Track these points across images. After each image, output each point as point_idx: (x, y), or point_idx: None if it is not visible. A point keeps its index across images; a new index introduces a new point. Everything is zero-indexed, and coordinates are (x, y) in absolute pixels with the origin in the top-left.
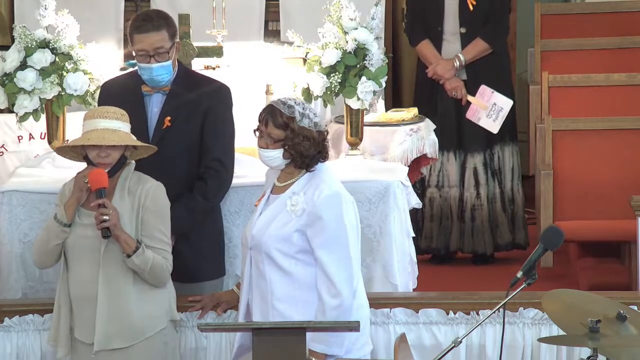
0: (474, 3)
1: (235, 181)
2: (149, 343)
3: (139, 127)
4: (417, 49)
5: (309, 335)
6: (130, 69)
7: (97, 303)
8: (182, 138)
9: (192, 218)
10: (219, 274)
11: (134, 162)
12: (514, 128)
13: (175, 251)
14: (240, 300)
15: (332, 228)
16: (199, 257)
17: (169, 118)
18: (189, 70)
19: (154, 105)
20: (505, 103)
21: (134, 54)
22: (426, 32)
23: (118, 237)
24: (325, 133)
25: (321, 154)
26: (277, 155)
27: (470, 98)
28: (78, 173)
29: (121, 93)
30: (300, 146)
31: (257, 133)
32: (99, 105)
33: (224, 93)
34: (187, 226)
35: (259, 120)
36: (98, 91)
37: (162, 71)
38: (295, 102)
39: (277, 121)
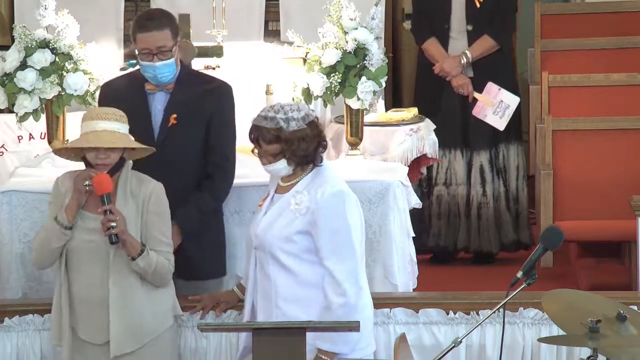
0: (481, 0)
1: (235, 181)
2: (159, 341)
3: (143, 125)
4: (423, 47)
5: (315, 333)
6: (130, 70)
7: (109, 307)
8: (187, 135)
9: (202, 218)
10: (220, 273)
11: (131, 161)
12: (519, 127)
13: (179, 249)
14: (246, 301)
15: (336, 226)
16: (201, 255)
17: (174, 116)
18: (191, 69)
19: (158, 103)
20: (512, 100)
21: (136, 52)
22: (432, 30)
23: (124, 242)
24: (316, 119)
25: (321, 144)
26: (282, 166)
27: (477, 95)
28: (77, 176)
29: (123, 92)
30: (300, 150)
31: (256, 152)
32: (99, 105)
33: (228, 91)
34: (197, 226)
35: (252, 142)
36: (98, 91)
37: (165, 69)
38: (275, 111)
39: (266, 137)
